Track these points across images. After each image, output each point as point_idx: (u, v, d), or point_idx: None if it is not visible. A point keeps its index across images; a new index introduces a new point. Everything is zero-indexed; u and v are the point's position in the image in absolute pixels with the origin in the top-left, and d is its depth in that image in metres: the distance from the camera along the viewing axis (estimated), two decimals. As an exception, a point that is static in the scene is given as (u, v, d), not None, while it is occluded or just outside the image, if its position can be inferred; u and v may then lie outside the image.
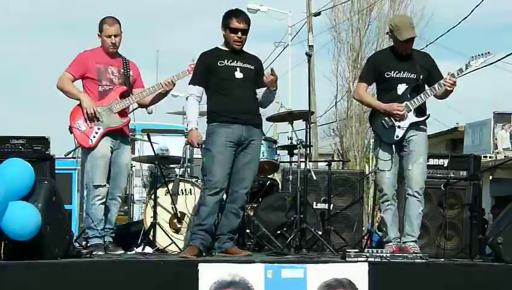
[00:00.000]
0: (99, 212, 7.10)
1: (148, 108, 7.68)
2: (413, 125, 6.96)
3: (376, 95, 7.24)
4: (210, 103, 7.03)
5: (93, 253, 6.74)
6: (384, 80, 7.01)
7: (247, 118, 6.92)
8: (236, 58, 6.98)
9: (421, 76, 6.98)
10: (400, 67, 6.97)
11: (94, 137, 7.10)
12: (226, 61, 6.94)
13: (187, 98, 7.04)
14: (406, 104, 6.93)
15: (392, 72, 6.96)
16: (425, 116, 7.03)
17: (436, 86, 6.95)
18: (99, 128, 7.12)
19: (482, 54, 7.00)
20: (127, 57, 7.38)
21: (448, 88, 6.92)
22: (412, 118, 6.95)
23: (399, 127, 6.93)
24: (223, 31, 7.02)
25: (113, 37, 7.21)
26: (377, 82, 7.13)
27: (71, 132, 7.16)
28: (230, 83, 6.92)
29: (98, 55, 7.25)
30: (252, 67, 7.02)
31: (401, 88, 6.96)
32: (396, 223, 7.05)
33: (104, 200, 7.13)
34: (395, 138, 6.94)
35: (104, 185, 7.12)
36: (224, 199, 7.02)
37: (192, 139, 6.96)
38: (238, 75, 6.94)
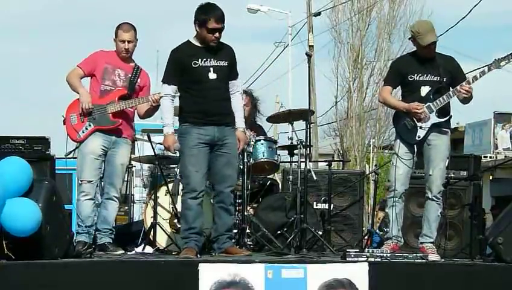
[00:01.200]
0: (84, 209, 7.10)
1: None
2: (435, 127, 7.04)
3: (401, 97, 7.29)
4: (182, 102, 6.90)
5: (78, 249, 6.70)
6: (408, 83, 7.10)
7: (219, 119, 6.86)
8: (210, 56, 6.85)
9: (444, 79, 7.03)
10: (422, 70, 7.05)
11: (83, 132, 7.20)
12: (200, 60, 6.82)
13: (161, 98, 6.91)
14: (429, 105, 7.00)
15: (415, 75, 7.05)
16: (447, 117, 7.08)
17: (458, 87, 6.98)
18: (90, 125, 7.21)
19: (505, 57, 7.02)
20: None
21: (465, 95, 6.99)
22: (433, 118, 7.02)
23: (421, 127, 7.01)
24: (198, 28, 6.84)
25: (126, 42, 7.29)
26: (401, 85, 7.22)
27: (64, 123, 7.28)
28: (204, 84, 6.82)
29: (110, 56, 7.36)
30: (226, 63, 6.91)
31: (424, 90, 7.04)
32: (400, 222, 7.11)
33: (91, 197, 7.14)
34: (416, 138, 7.02)
35: (91, 182, 7.14)
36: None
37: (169, 144, 6.82)
38: (212, 76, 6.83)
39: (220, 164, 6.88)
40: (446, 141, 7.11)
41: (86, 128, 7.21)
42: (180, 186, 7.74)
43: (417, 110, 6.96)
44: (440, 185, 7.03)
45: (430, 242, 7.01)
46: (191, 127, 6.80)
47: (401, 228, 7.18)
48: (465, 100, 7.10)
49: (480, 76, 7.00)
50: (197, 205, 6.79)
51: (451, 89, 7.03)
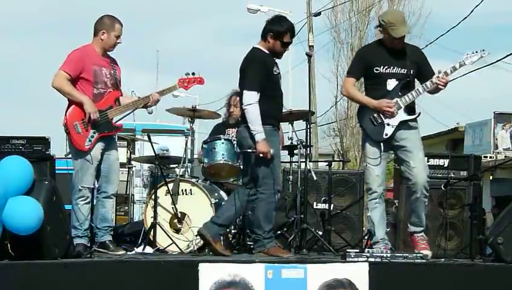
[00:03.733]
0: (82, 212, 7.02)
1: (148, 108, 7.67)
2: (403, 124, 6.82)
3: (364, 91, 7.10)
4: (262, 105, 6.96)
5: (79, 251, 6.69)
6: (374, 76, 6.85)
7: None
8: (275, 63, 7.12)
9: (412, 71, 6.83)
10: (390, 62, 6.81)
11: (90, 141, 7.01)
12: (275, 68, 7.07)
13: (250, 105, 6.85)
14: (397, 100, 6.79)
15: (382, 67, 6.81)
16: (416, 115, 6.90)
17: (428, 83, 6.81)
18: (94, 133, 7.03)
19: (476, 52, 6.83)
20: (115, 57, 7.34)
21: (441, 87, 6.80)
22: (402, 115, 6.81)
23: (388, 124, 6.80)
24: (272, 39, 7.02)
25: (120, 38, 7.18)
26: (365, 77, 6.99)
27: (67, 133, 7.03)
28: (279, 91, 7.11)
29: (92, 55, 7.12)
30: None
31: (391, 84, 6.81)
32: (384, 223, 6.96)
33: (89, 200, 7.07)
34: (383, 136, 6.82)
35: (91, 188, 7.07)
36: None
37: (268, 150, 6.83)
38: (280, 82, 7.14)
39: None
40: (417, 135, 6.91)
41: (92, 137, 7.01)
42: (181, 187, 7.77)
43: (389, 110, 6.74)
44: (425, 176, 6.78)
45: (422, 231, 6.86)
46: (274, 129, 7.05)
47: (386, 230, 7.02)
48: (433, 92, 6.89)
49: (452, 72, 6.82)
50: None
51: (418, 84, 6.84)
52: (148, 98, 7.28)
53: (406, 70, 6.82)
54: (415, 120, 6.91)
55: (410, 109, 6.87)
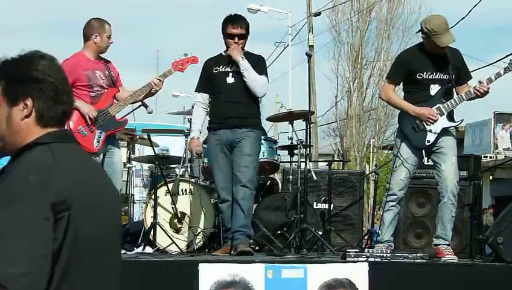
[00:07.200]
0: None
1: (148, 108, 7.66)
2: (444, 130, 6.71)
3: (404, 94, 6.96)
4: None
5: None
6: (416, 81, 6.72)
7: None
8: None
9: (453, 76, 6.72)
10: (433, 68, 6.69)
11: (98, 141, 7.03)
12: (216, 67, 7.05)
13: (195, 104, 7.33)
14: (439, 107, 6.69)
15: (425, 73, 6.69)
16: (459, 122, 6.84)
17: (471, 89, 6.69)
18: (101, 132, 7.05)
19: None
20: (108, 58, 7.33)
21: (479, 95, 6.70)
22: (444, 122, 6.71)
23: (430, 131, 6.68)
24: (223, 38, 7.08)
25: (111, 37, 7.18)
26: (407, 82, 6.83)
27: None
28: (220, 88, 7.03)
29: (83, 61, 7.11)
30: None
31: (434, 89, 6.70)
32: (393, 227, 6.91)
33: None
34: (426, 143, 6.70)
35: None
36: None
37: (191, 148, 7.27)
38: (225, 79, 7.03)
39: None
40: (454, 141, 6.80)
41: (99, 137, 7.04)
42: (181, 187, 7.77)
43: (432, 119, 6.63)
44: (455, 181, 6.63)
45: (446, 244, 6.71)
46: (211, 134, 7.14)
47: (393, 232, 6.95)
48: (471, 99, 6.79)
49: (496, 78, 6.71)
50: (226, 207, 7.05)
51: (457, 90, 6.77)
52: (149, 84, 7.25)
53: (448, 75, 6.71)
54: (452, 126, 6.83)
55: (451, 115, 6.77)
